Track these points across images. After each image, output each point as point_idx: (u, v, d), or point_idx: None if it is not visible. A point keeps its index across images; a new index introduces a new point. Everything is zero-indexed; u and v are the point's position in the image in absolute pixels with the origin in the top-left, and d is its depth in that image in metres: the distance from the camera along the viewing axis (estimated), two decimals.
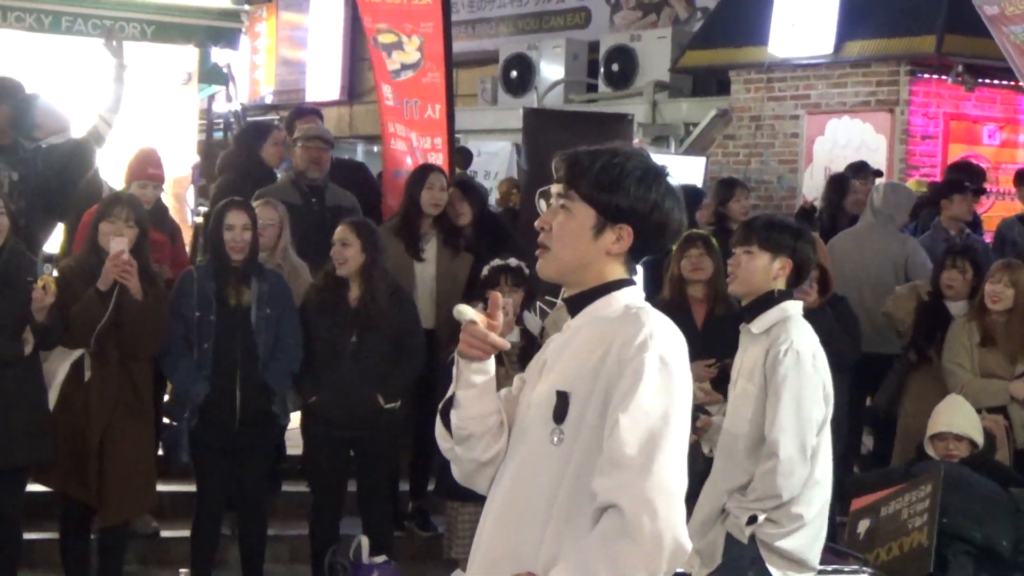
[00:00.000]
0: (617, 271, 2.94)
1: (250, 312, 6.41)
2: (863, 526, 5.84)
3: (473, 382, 2.92)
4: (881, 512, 5.79)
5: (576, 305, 2.96)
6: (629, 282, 2.96)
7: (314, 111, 9.29)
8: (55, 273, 5.93)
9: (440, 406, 3.02)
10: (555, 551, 2.77)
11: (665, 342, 2.80)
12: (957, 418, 6.22)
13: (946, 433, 6.16)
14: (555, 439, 2.83)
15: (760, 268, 4.63)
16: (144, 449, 6.37)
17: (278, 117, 15.07)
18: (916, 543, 5.51)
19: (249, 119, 14.67)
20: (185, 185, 10.15)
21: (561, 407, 2.84)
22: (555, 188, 2.98)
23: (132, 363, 6.25)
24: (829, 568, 4.94)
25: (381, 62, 9.04)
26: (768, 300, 4.63)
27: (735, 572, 4.53)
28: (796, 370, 4.47)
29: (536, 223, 3.00)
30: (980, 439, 6.17)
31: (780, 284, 4.66)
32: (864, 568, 5.26)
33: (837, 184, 9.73)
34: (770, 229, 4.67)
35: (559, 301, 7.22)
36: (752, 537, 4.49)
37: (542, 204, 7.90)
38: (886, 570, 5.58)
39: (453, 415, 2.96)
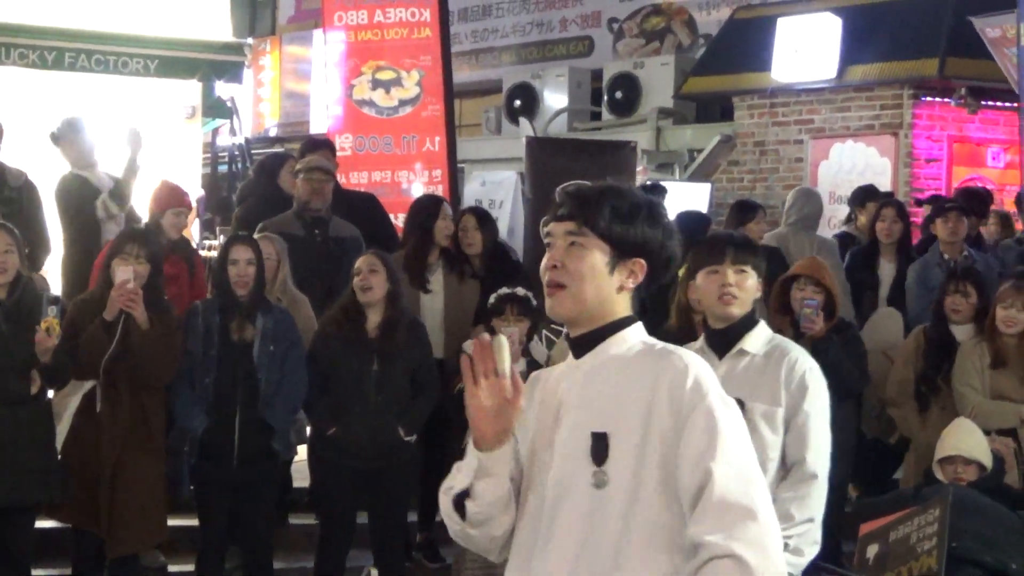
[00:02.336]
0: (624, 308, 2.92)
1: (252, 348, 6.37)
2: (872, 551, 5.79)
3: (491, 471, 2.82)
4: (890, 536, 5.75)
5: (584, 344, 2.92)
6: (633, 319, 2.93)
7: (326, 143, 9.31)
8: (52, 313, 5.90)
9: (454, 496, 2.93)
10: None
11: (711, 380, 2.77)
12: (965, 441, 6.18)
13: (955, 456, 6.13)
14: (596, 481, 2.77)
15: (752, 288, 4.30)
16: (154, 482, 6.35)
17: (283, 149, 15.10)
18: (926, 567, 5.47)
19: (254, 152, 14.70)
20: (190, 219, 10.17)
21: (600, 448, 2.78)
22: (560, 226, 2.96)
23: (143, 396, 6.26)
24: None
25: (354, 112, 9.13)
26: (749, 321, 4.30)
27: None
28: (822, 389, 4.23)
29: (546, 261, 2.96)
30: (988, 462, 6.14)
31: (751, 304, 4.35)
32: None
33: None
34: (753, 249, 4.38)
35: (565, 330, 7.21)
36: None
37: None
38: None
39: (470, 504, 2.88)
